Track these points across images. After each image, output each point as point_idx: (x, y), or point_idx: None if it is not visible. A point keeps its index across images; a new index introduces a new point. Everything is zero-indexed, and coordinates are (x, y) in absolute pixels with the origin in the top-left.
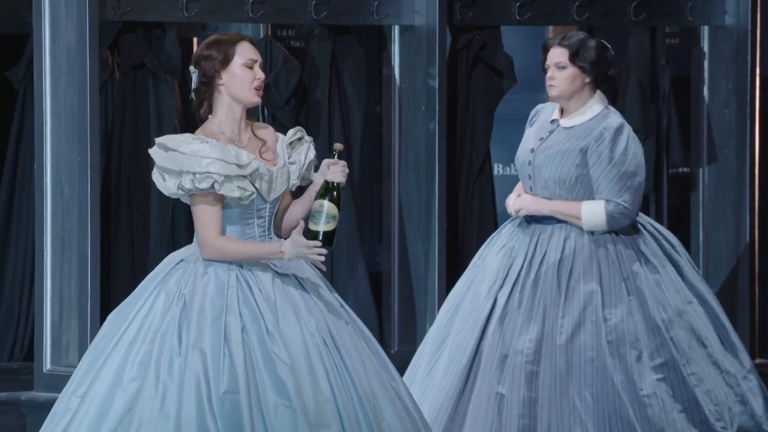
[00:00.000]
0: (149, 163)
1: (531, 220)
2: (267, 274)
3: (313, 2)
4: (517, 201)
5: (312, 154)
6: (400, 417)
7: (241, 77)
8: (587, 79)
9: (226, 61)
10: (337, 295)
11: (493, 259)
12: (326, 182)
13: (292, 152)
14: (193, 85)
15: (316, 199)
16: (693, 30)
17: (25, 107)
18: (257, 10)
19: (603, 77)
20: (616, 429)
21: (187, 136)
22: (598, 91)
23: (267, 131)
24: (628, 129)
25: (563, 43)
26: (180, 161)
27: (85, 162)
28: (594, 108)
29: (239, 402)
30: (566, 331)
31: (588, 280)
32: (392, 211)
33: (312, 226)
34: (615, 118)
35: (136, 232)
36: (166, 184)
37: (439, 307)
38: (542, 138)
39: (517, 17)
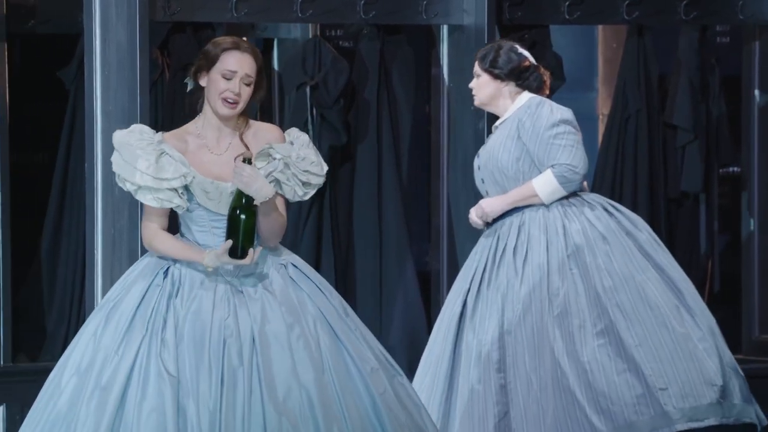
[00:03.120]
0: None
1: (492, 221)
2: (200, 281)
3: (362, 2)
4: (477, 208)
5: (273, 167)
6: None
7: (215, 85)
8: (503, 83)
9: (210, 65)
10: (319, 302)
11: (461, 273)
12: (237, 190)
13: (266, 165)
14: (189, 75)
15: (230, 206)
16: (743, 28)
17: (76, 106)
18: (306, 10)
19: (517, 76)
20: (559, 401)
21: (137, 134)
22: (526, 92)
23: (267, 136)
24: (548, 101)
25: (476, 53)
26: (115, 161)
27: None
28: (520, 101)
29: (107, 402)
30: (518, 314)
31: (537, 258)
32: (441, 210)
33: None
34: (537, 98)
35: None
36: None
37: None
38: (483, 145)
39: (567, 16)
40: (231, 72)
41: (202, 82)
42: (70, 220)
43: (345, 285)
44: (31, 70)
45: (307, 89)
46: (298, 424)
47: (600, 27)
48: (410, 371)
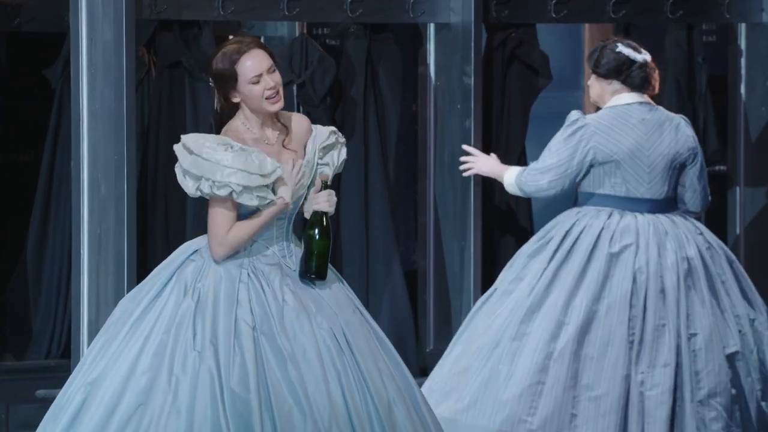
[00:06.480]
0: None
1: None
2: (276, 274)
3: (349, 0)
4: None
5: (344, 154)
6: (413, 422)
7: (251, 95)
8: (607, 82)
9: (234, 83)
10: (353, 296)
11: None
12: (314, 212)
13: (325, 155)
14: (216, 102)
15: (305, 230)
16: (730, 27)
17: (62, 105)
18: (293, 9)
19: (617, 73)
20: None
21: (212, 139)
22: (625, 93)
23: (298, 122)
24: (569, 118)
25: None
26: (201, 167)
27: (121, 160)
28: (612, 102)
29: (249, 401)
30: None
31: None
32: (427, 209)
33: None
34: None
35: (173, 230)
36: (186, 182)
37: (474, 305)
38: None
39: (553, 15)
40: (257, 76)
41: (236, 100)
42: (56, 219)
43: None
44: (17, 69)
45: (294, 87)
46: (397, 420)
47: (586, 26)
48: None
